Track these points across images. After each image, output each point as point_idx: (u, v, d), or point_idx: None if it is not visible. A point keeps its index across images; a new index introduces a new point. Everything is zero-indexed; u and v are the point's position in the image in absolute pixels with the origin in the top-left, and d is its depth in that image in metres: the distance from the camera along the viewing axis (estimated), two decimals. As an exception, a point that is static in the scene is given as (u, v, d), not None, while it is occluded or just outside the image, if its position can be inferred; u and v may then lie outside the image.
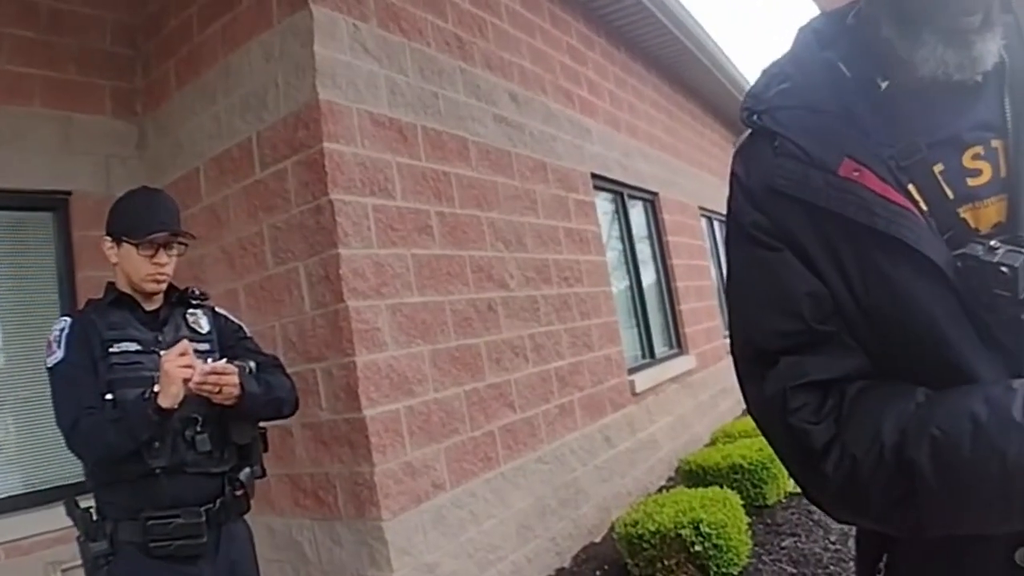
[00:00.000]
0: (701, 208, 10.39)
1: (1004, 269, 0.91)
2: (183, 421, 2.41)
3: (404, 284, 4.15)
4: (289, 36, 3.96)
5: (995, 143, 0.99)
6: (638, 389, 6.75)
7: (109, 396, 2.34)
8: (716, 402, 8.94)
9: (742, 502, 4.78)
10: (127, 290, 2.56)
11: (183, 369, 2.28)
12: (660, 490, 6.16)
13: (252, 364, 2.59)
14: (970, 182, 0.99)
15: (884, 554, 1.12)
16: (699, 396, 8.50)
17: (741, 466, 5.58)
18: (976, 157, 0.99)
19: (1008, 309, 0.93)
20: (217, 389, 2.34)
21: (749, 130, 1.15)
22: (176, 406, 2.28)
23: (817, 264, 1.03)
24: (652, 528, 4.32)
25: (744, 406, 1.14)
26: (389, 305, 4.00)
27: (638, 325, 7.78)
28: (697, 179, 10.46)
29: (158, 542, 2.34)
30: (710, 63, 9.92)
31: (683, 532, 4.22)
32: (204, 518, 2.41)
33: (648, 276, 8.30)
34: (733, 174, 1.14)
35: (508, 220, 5.31)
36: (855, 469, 0.96)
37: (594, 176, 6.93)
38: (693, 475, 5.79)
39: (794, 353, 1.03)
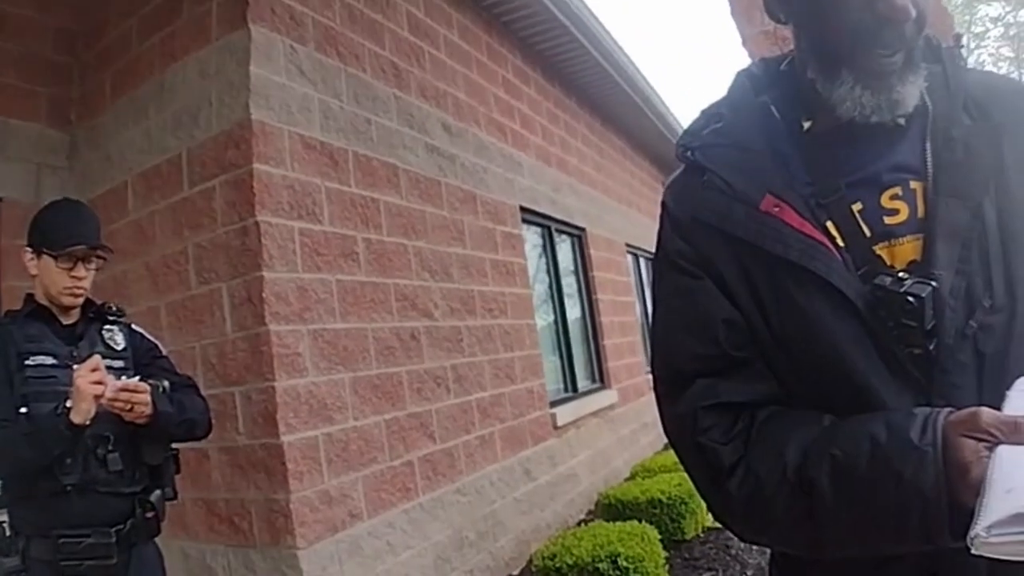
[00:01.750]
0: (628, 245, 10.54)
1: (911, 299, 0.97)
2: (95, 439, 2.35)
3: (327, 310, 4.11)
4: (226, 54, 3.93)
5: (914, 185, 1.05)
6: (559, 423, 6.77)
7: (23, 410, 2.28)
8: (637, 437, 9.01)
9: (660, 536, 4.83)
10: (45, 303, 2.51)
11: (94, 385, 2.23)
12: (579, 524, 6.17)
13: (166, 384, 2.54)
14: (887, 221, 1.05)
15: None
16: (620, 431, 8.56)
17: (660, 500, 5.63)
18: (894, 197, 1.05)
19: (916, 340, 0.99)
20: (128, 407, 2.30)
21: (683, 165, 1.20)
22: (88, 422, 2.23)
23: (735, 293, 1.09)
24: (570, 561, 4.33)
25: (665, 441, 1.17)
26: (311, 330, 3.96)
27: (561, 358, 7.82)
28: (625, 216, 10.61)
29: (68, 561, 2.28)
30: (642, 102, 10.11)
31: (600, 566, 4.24)
32: (115, 539, 2.35)
33: (573, 310, 8.37)
34: (663, 205, 1.21)
35: (435, 250, 5.31)
36: (758, 487, 1.01)
37: (523, 209, 6.98)
38: (612, 509, 5.82)
39: (709, 376, 1.08)
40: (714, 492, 1.07)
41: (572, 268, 8.58)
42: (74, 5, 4.72)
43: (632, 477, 7.26)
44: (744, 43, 2.99)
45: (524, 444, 6.07)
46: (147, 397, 2.35)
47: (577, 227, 8.59)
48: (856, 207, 1.06)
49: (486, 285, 5.96)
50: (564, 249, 8.42)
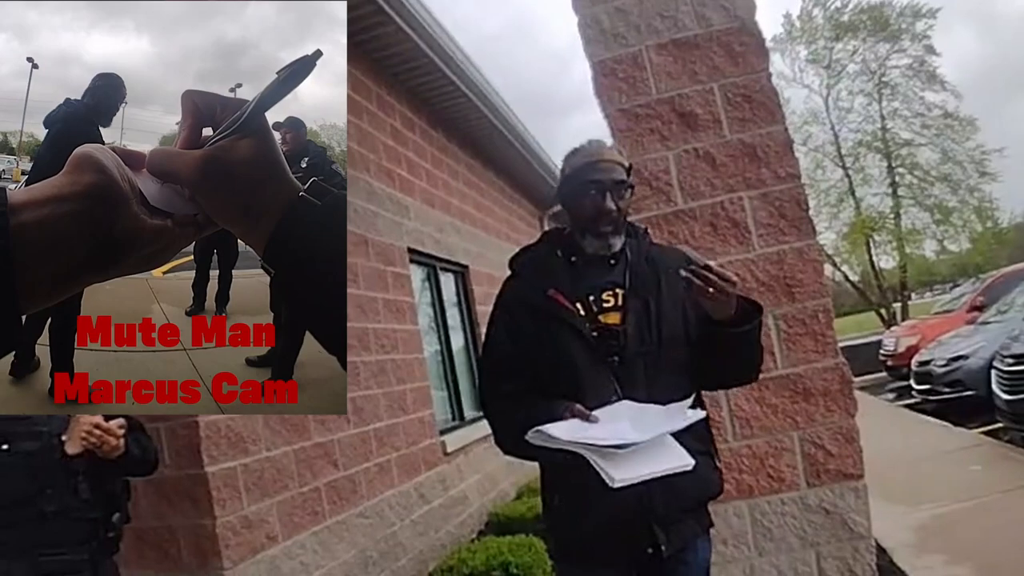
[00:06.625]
0: (507, 279, 11.03)
1: (614, 331, 2.17)
2: (67, 472, 2.67)
3: (240, 350, 4.47)
4: None
5: (618, 290, 2.24)
6: (449, 449, 7.22)
7: (4, 446, 2.58)
8: (522, 460, 9.46)
9: (547, 548, 5.33)
10: None
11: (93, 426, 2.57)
12: (472, 541, 6.61)
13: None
14: (605, 304, 2.22)
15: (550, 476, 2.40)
16: (505, 455, 8.99)
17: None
18: (608, 294, 2.23)
19: (615, 352, 2.16)
20: (100, 443, 2.62)
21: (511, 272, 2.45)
22: (78, 453, 2.56)
23: (525, 334, 2.25)
24: (466, 572, 4.81)
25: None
26: (227, 369, 4.31)
27: (448, 389, 8.29)
28: (505, 252, 10.97)
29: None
30: (520, 146, 10.66)
31: (494, 574, 4.71)
32: (87, 556, 2.68)
33: (457, 342, 8.86)
34: (501, 294, 2.40)
35: (333, 290, 5.69)
36: (516, 424, 2.10)
37: (410, 250, 7.44)
38: (502, 526, 6.31)
39: (503, 376, 2.31)
40: (495, 418, 2.39)
41: (456, 303, 9.08)
42: None
43: (519, 497, 7.76)
44: (606, 118, 3.57)
45: (418, 470, 6.50)
46: (119, 441, 2.68)
47: (460, 264, 9.12)
48: (591, 298, 2.22)
49: (379, 323, 6.38)
50: (448, 285, 8.93)
